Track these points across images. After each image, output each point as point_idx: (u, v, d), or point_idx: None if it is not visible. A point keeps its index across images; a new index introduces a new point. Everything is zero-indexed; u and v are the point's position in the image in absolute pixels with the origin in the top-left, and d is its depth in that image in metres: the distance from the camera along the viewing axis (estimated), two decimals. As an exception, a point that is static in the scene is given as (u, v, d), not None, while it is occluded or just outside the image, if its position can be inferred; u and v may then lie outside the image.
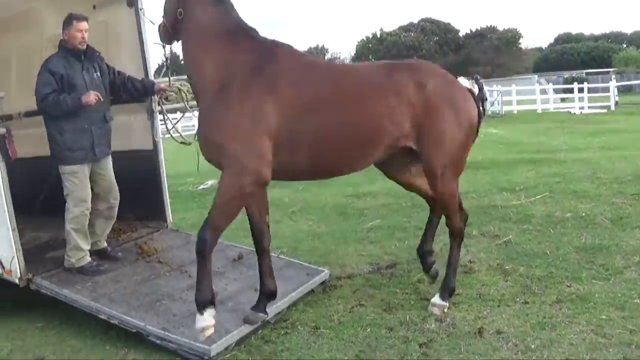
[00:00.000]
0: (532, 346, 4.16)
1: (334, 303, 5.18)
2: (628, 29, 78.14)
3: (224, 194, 4.26)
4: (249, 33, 4.55)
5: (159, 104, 5.95)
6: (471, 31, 67.40)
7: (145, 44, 6.17)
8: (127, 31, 6.26)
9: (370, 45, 65.20)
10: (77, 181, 5.41)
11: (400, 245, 6.57)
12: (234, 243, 6.16)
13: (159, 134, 6.38)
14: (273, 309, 4.89)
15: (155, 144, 6.34)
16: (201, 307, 4.32)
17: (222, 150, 4.25)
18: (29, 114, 6.42)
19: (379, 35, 66.35)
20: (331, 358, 4.19)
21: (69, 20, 5.39)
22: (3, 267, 5.28)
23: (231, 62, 4.39)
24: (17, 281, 5.18)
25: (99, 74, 5.58)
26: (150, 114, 6.27)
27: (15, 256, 5.10)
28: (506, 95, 31.47)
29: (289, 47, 4.59)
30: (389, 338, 4.43)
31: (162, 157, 6.39)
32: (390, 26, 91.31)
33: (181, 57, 4.83)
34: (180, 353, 4.35)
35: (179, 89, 5.73)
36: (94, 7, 6.47)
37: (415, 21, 71.13)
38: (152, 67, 6.35)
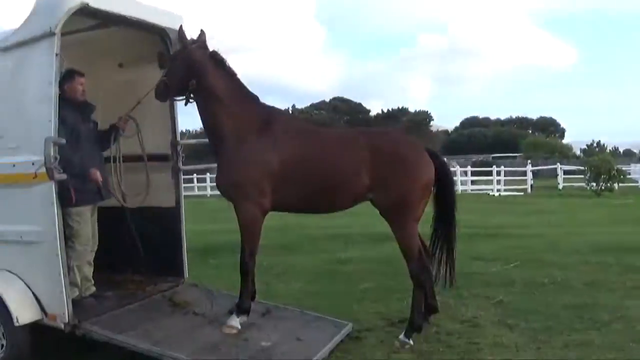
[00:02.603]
0: (562, 380, 5.21)
1: (367, 351, 6.02)
2: (533, 114, 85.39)
3: (245, 223, 6.05)
4: (254, 98, 6.25)
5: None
6: (383, 112, 71.55)
7: (175, 104, 6.87)
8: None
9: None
10: (82, 221, 6.10)
11: (402, 304, 7.44)
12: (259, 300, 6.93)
13: (182, 192, 7.12)
14: (319, 355, 5.66)
15: (178, 201, 7.06)
16: (240, 312, 6.12)
17: (241, 189, 5.98)
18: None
19: (290, 112, 68.97)
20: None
21: (71, 75, 6.24)
22: (45, 313, 5.66)
23: (244, 120, 6.04)
24: (62, 326, 5.57)
25: (92, 124, 6.44)
26: (175, 173, 7.03)
27: (65, 302, 5.50)
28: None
29: (286, 112, 6.20)
30: (440, 377, 5.34)
31: (183, 214, 7.11)
32: (302, 103, 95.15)
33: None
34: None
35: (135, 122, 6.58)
36: (120, 65, 7.27)
37: (327, 99, 74.86)
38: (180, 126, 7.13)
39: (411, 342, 6.10)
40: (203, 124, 6.30)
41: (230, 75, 6.17)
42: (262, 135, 6.00)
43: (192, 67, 5.98)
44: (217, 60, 6.09)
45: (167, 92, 6.17)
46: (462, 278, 8.54)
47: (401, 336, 6.16)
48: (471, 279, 8.58)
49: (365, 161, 5.93)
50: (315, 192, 6.06)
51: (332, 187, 6.01)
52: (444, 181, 6.46)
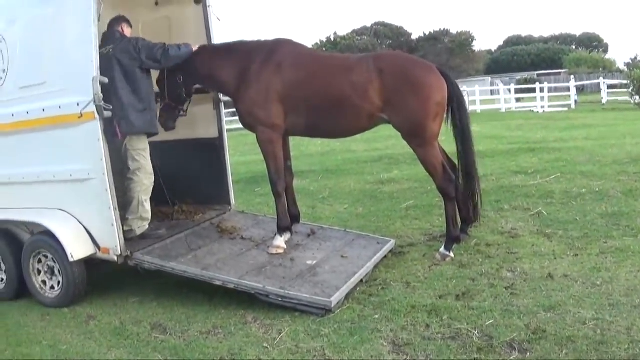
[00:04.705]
0: (597, 283, 5.18)
1: (411, 265, 6.08)
2: (577, 31, 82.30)
3: (263, 145, 6.21)
4: (247, 44, 6.40)
5: None
6: (424, 34, 69.78)
7: (212, 40, 6.88)
8: (192, 27, 7.00)
9: (324, 49, 66.75)
10: (147, 156, 6.23)
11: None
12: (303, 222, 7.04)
13: (224, 123, 7.16)
14: (363, 270, 5.74)
15: (220, 132, 7.11)
16: (281, 231, 6.29)
17: (252, 115, 6.16)
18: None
19: (332, 39, 68.05)
20: (434, 303, 5.04)
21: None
22: (98, 247, 5.83)
23: (238, 64, 6.21)
24: (115, 258, 5.75)
25: None
26: (217, 104, 7.05)
27: (117, 235, 5.67)
28: (470, 96, 33.03)
29: (288, 40, 6.39)
30: (476, 285, 5.37)
31: (226, 144, 7.16)
32: (344, 30, 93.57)
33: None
34: (299, 308, 5.11)
35: None
36: (156, 3, 7.24)
37: (369, 25, 73.43)
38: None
39: (452, 254, 6.14)
40: (209, 88, 6.78)
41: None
42: (264, 66, 6.09)
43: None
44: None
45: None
46: (503, 192, 8.57)
47: (441, 249, 6.20)
48: (512, 193, 8.46)
49: (373, 82, 5.87)
50: (326, 113, 6.03)
51: (341, 107, 5.95)
52: (456, 103, 6.24)
